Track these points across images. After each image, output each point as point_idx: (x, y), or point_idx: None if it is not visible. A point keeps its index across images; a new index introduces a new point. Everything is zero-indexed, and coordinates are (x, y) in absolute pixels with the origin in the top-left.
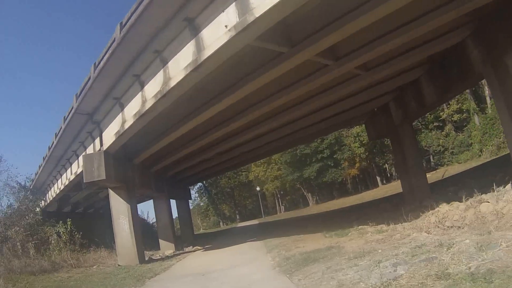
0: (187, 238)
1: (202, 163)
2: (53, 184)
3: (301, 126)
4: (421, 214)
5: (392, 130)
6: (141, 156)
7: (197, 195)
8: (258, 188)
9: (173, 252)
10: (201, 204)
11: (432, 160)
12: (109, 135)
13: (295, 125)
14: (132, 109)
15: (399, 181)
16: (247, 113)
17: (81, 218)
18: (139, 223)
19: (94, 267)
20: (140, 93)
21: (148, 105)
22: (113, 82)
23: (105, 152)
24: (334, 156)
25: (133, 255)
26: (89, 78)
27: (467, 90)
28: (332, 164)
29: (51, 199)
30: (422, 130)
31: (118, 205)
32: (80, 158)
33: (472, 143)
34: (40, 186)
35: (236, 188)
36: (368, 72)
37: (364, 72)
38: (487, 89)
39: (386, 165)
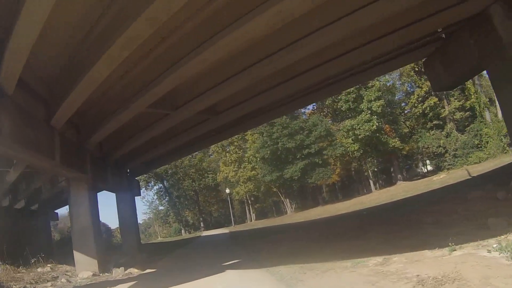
0: (129, 249)
1: (147, 127)
2: None
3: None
4: None
5: (494, 57)
6: (10, 56)
7: (156, 197)
8: (228, 191)
9: (92, 275)
10: (161, 208)
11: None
12: None
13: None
14: None
15: (393, 187)
16: None
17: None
18: None
19: None
20: None
21: None
22: None
23: None
24: (324, 153)
25: None
26: None
27: (476, 83)
28: (320, 162)
29: None
30: (419, 130)
31: None
32: None
33: (477, 143)
34: None
35: (201, 192)
36: None
37: None
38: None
39: (369, 172)
